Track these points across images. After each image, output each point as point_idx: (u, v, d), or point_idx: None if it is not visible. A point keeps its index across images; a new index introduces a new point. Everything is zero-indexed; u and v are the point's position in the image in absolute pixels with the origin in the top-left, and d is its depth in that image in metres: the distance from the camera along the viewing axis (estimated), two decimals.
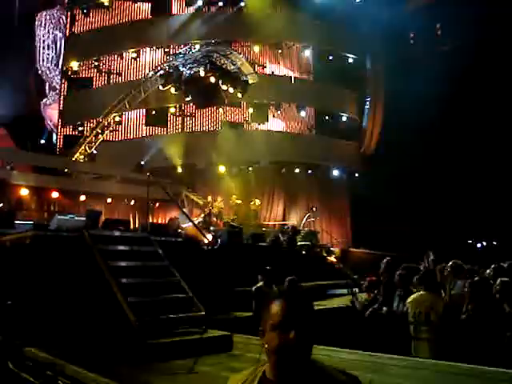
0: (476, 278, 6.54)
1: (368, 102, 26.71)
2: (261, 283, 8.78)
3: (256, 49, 25.00)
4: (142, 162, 20.56)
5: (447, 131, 23.18)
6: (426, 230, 19.93)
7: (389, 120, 25.25)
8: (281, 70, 26.57)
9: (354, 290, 9.14)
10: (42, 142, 22.17)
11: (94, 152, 20.63)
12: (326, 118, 26.48)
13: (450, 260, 7.39)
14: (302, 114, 26.16)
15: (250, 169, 24.10)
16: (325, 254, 16.81)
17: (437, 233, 19.62)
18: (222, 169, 23.25)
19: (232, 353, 6.27)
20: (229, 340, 6.48)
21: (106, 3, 24.63)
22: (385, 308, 7.51)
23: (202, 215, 20.48)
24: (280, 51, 26.11)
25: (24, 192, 16.81)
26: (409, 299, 6.22)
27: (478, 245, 24.15)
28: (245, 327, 7.70)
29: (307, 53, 26.26)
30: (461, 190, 22.43)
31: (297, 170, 24.98)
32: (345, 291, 12.57)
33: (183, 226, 16.05)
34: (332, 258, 16.82)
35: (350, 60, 26.53)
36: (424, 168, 22.65)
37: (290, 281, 8.23)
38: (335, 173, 25.80)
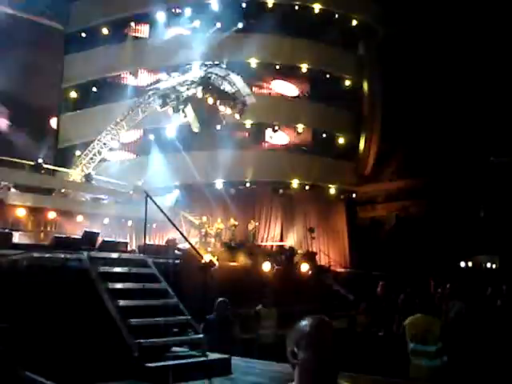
0: (474, 300, 6.58)
1: (365, 122, 26.88)
2: (260, 305, 8.77)
3: (253, 70, 25.18)
4: (140, 183, 20.58)
5: (444, 147, 23.26)
6: (425, 251, 19.89)
7: (386, 138, 25.41)
8: (278, 90, 26.78)
9: (351, 312, 9.15)
10: None
11: (92, 172, 20.64)
12: (323, 136, 26.59)
13: (451, 281, 7.42)
14: (299, 133, 26.28)
15: (248, 189, 24.15)
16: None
17: (437, 253, 19.56)
18: (219, 189, 23.29)
19: (231, 376, 6.25)
20: (228, 363, 6.45)
21: (105, 31, 24.95)
22: (382, 330, 7.51)
23: (198, 236, 20.48)
24: (277, 72, 26.33)
25: (21, 212, 16.77)
26: (406, 321, 6.23)
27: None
28: (244, 349, 7.68)
29: (304, 73, 26.43)
30: (461, 207, 22.37)
31: (294, 190, 25.01)
32: (342, 313, 12.56)
33: (180, 246, 16.01)
34: (330, 280, 16.81)
35: (348, 81, 26.77)
36: (422, 187, 22.69)
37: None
38: (332, 193, 25.81)
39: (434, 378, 5.71)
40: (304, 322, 2.03)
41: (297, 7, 25.44)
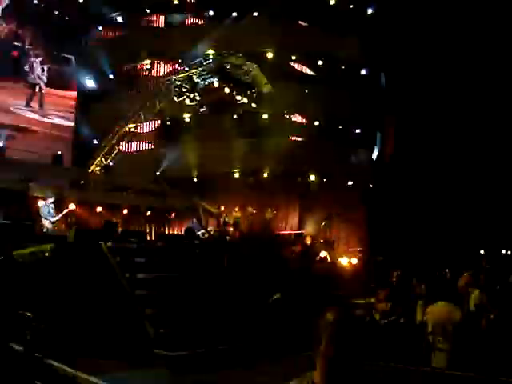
0: (496, 288, 6.52)
1: (382, 112, 26.60)
2: (278, 295, 8.78)
3: (269, 58, 25.05)
4: (158, 173, 20.68)
5: (465, 137, 22.93)
6: (444, 238, 19.69)
7: (403, 127, 25.12)
8: (294, 79, 26.60)
9: (370, 299, 9.12)
10: None
11: (110, 163, 20.79)
12: (340, 127, 26.37)
13: (470, 269, 7.34)
14: (316, 123, 26.14)
15: (265, 177, 24.14)
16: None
17: (456, 241, 19.35)
18: (236, 178, 23.31)
19: (254, 364, 6.29)
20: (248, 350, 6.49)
21: (120, 20, 25.01)
22: (403, 318, 7.49)
23: (215, 225, 20.58)
24: (293, 60, 26.16)
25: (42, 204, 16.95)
26: (427, 310, 6.20)
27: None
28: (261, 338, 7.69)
29: (320, 62, 26.24)
30: (482, 196, 22.05)
31: (311, 179, 24.92)
32: (362, 301, 12.53)
33: (199, 233, 16.16)
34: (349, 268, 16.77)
35: (363, 71, 26.47)
36: (441, 175, 22.42)
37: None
38: (350, 181, 25.65)
39: (456, 366, 5.68)
40: (326, 313, 2.04)
41: None
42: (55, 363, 5.88)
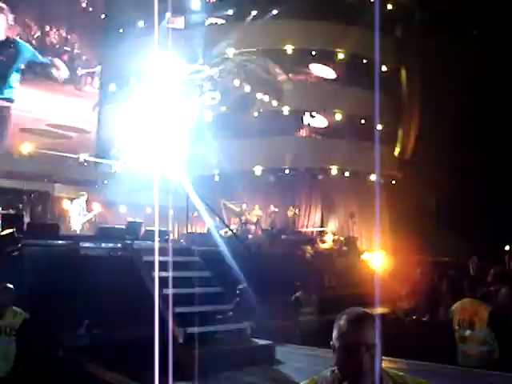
0: None
1: (403, 107, 26.38)
2: (299, 292, 8.77)
3: (289, 56, 25.02)
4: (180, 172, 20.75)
5: (489, 132, 22.59)
6: (469, 235, 19.44)
7: (427, 122, 24.88)
8: (315, 76, 26.51)
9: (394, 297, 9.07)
10: None
11: (133, 163, 20.95)
12: (362, 122, 26.18)
13: (496, 265, 7.26)
14: (337, 118, 26.03)
15: (287, 175, 24.12)
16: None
17: (482, 237, 19.08)
18: (258, 176, 23.34)
19: (274, 362, 6.31)
20: (271, 349, 6.51)
21: (141, 25, 25.30)
22: (427, 316, 7.44)
23: (238, 223, 20.65)
24: (313, 57, 26.06)
25: (66, 204, 17.19)
26: (453, 306, 6.13)
27: None
28: (284, 336, 7.72)
29: (340, 59, 26.10)
30: (506, 192, 21.69)
31: (333, 176, 24.82)
32: (385, 298, 12.46)
33: (221, 231, 16.23)
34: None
35: (385, 66, 26.25)
36: (465, 171, 22.14)
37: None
38: (372, 178, 25.48)
39: (483, 364, 5.62)
40: (344, 311, 2.03)
41: None
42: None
